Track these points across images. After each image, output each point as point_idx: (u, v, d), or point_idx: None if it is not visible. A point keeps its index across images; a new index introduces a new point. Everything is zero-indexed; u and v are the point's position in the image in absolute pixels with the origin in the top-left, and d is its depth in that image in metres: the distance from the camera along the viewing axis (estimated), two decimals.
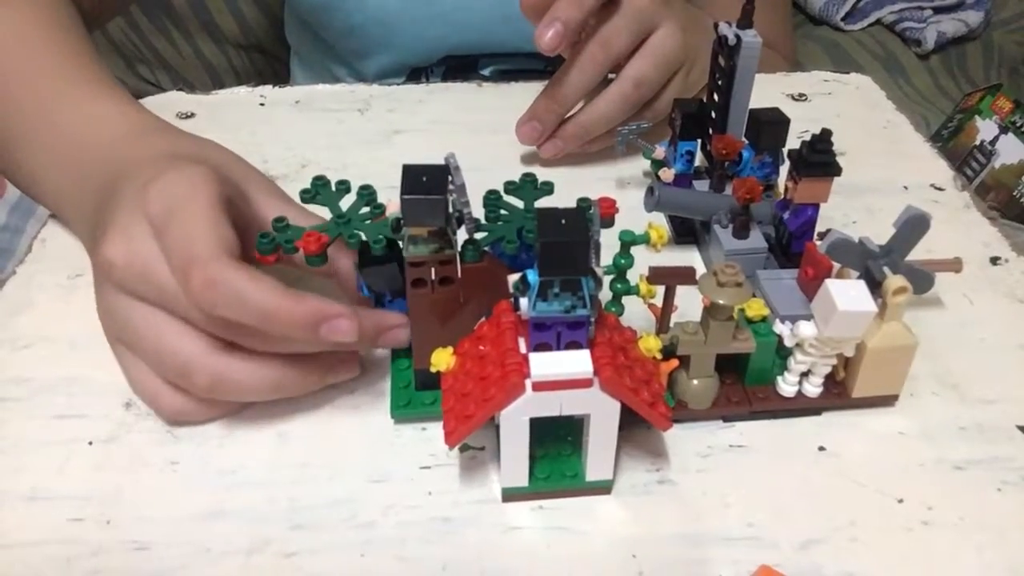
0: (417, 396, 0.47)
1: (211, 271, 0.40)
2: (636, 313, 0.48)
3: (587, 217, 0.37)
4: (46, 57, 0.59)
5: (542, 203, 0.43)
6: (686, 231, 0.61)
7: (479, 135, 0.72)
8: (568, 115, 0.65)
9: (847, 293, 0.42)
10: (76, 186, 0.52)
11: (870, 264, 0.45)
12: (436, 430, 0.42)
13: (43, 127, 0.55)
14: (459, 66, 0.90)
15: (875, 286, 0.44)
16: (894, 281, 0.43)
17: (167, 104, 0.75)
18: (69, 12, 0.65)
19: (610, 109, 0.64)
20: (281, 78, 1.21)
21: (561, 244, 0.36)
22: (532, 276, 0.37)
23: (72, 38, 0.61)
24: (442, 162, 0.41)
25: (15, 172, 0.59)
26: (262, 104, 0.76)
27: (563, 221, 0.37)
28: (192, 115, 0.74)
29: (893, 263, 0.46)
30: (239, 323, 0.41)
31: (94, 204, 0.49)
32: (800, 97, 0.78)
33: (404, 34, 0.85)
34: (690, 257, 0.60)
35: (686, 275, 0.44)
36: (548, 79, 0.77)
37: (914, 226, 0.46)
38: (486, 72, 0.91)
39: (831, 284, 0.43)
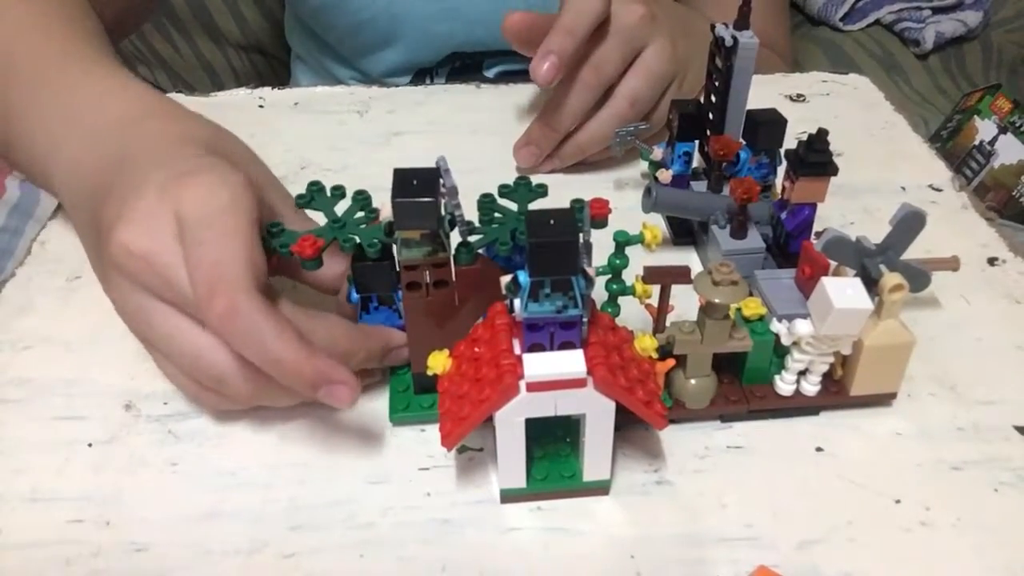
0: (415, 400, 0.47)
1: (237, 301, 0.39)
2: (633, 313, 0.48)
3: (577, 217, 0.37)
4: (52, 41, 0.57)
5: (536, 205, 0.43)
6: (684, 232, 0.61)
7: (478, 136, 0.72)
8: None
9: (843, 291, 0.42)
10: (79, 157, 0.50)
11: (866, 262, 0.46)
12: (434, 431, 0.42)
13: (45, 100, 0.53)
14: (464, 67, 0.90)
15: (871, 284, 0.44)
16: (890, 279, 0.43)
17: None
18: (82, 8, 0.64)
19: (605, 129, 0.64)
20: (281, 79, 1.21)
21: (551, 244, 0.36)
22: (523, 277, 0.38)
23: (82, 27, 0.60)
24: (434, 165, 0.41)
25: (13, 147, 0.56)
26: (261, 106, 0.76)
27: (552, 222, 0.37)
28: None
29: (889, 261, 0.46)
30: None
31: (99, 178, 0.47)
32: (798, 98, 0.78)
33: (411, 30, 0.86)
34: (688, 258, 0.60)
35: (681, 274, 0.44)
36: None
37: (910, 223, 0.46)
38: (490, 74, 0.91)
39: (827, 282, 0.43)
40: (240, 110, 0.76)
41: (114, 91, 0.52)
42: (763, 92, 0.76)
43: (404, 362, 0.47)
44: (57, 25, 0.59)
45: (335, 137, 0.72)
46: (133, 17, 0.81)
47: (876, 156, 0.70)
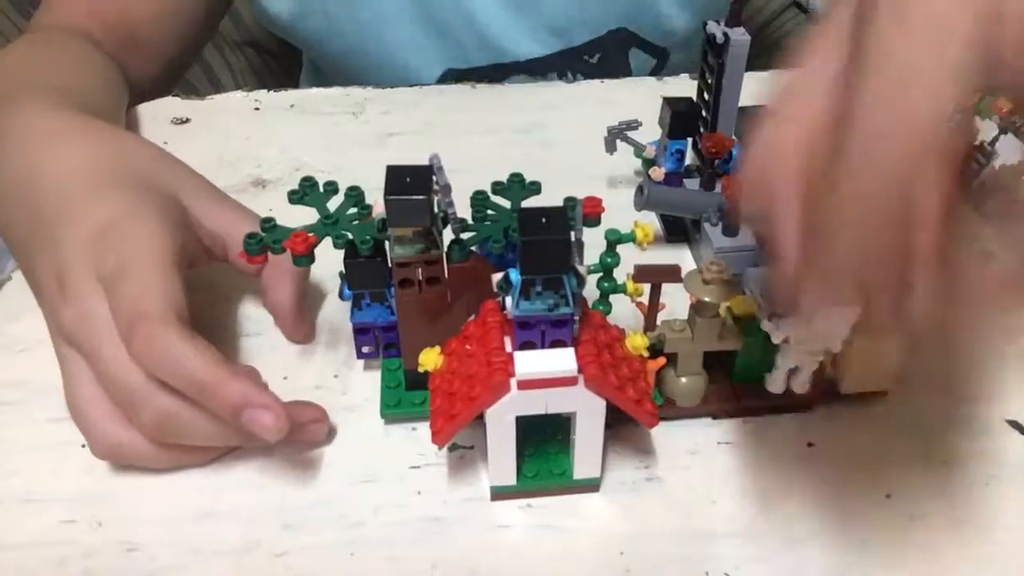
0: (407, 396, 0.47)
1: (155, 330, 0.40)
2: (625, 311, 0.48)
3: (569, 216, 0.38)
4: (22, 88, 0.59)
5: (530, 203, 0.43)
6: (677, 229, 0.61)
7: (473, 136, 0.72)
8: None
9: None
10: (7, 201, 0.51)
11: None
12: (426, 429, 0.42)
13: None
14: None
15: None
16: None
17: (162, 110, 0.75)
18: (78, 57, 0.66)
19: None
20: (279, 78, 1.21)
21: (542, 243, 0.37)
22: (514, 275, 0.38)
23: (45, 82, 0.61)
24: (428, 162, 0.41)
25: None
26: (257, 108, 0.76)
27: (544, 220, 0.37)
28: (187, 120, 0.74)
29: None
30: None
31: (17, 231, 0.49)
32: None
33: (401, 51, 0.84)
34: (682, 255, 0.60)
35: (671, 273, 0.44)
36: (540, 80, 0.77)
37: None
38: None
39: None
40: (236, 113, 0.76)
41: (24, 121, 0.53)
42: (758, 88, 0.76)
43: (320, 439, 0.46)
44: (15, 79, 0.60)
45: (330, 139, 0.72)
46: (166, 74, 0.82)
47: None
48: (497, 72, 0.86)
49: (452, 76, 0.86)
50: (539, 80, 0.86)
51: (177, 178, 0.51)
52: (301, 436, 0.44)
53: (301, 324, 0.52)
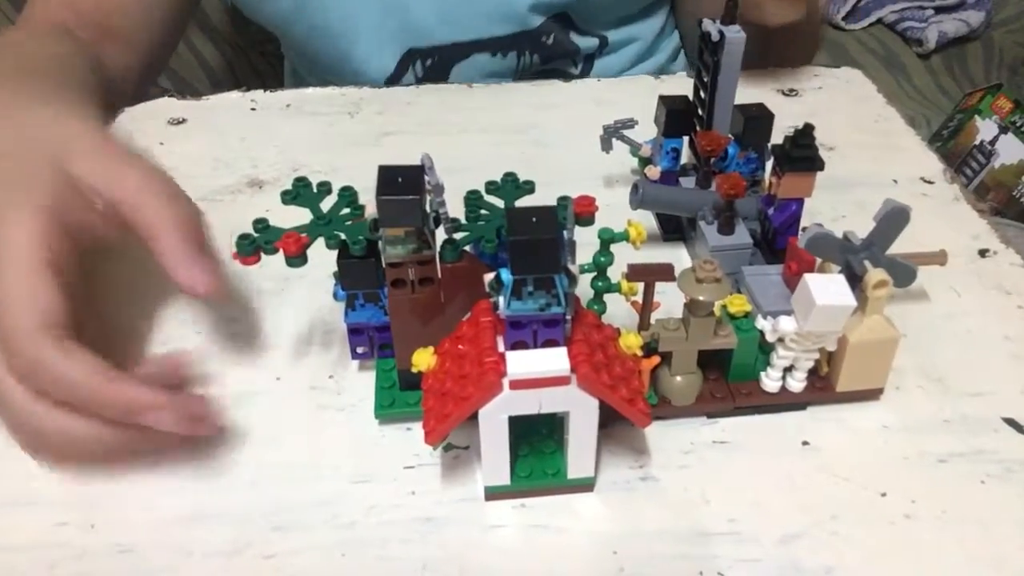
0: (401, 396, 0.47)
1: (30, 352, 0.40)
2: (621, 311, 0.48)
3: (560, 215, 0.37)
4: None
5: (524, 202, 0.43)
6: (674, 228, 0.61)
7: (468, 136, 0.72)
8: None
9: (826, 288, 0.42)
10: None
11: (850, 258, 0.45)
12: (420, 430, 0.42)
13: None
14: (429, 73, 0.89)
15: (856, 280, 0.44)
16: (874, 275, 0.43)
17: (158, 110, 0.75)
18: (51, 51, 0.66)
19: None
20: (277, 76, 1.21)
21: (532, 242, 0.36)
22: (505, 275, 0.38)
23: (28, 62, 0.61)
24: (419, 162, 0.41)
25: None
26: (253, 108, 0.76)
27: (534, 219, 0.37)
28: (183, 121, 0.74)
29: (874, 257, 0.46)
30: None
31: None
32: (791, 92, 0.77)
33: (364, 29, 0.84)
34: (678, 254, 0.60)
35: (664, 272, 0.44)
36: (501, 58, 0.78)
37: (894, 219, 0.45)
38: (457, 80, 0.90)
39: (810, 279, 0.42)
40: (232, 113, 0.76)
41: None
42: (756, 87, 0.76)
43: (168, 427, 0.42)
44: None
45: (326, 138, 0.72)
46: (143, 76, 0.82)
47: (868, 149, 0.70)
48: (458, 51, 0.85)
49: (415, 55, 0.86)
50: (499, 58, 0.86)
51: (70, 148, 0.48)
52: (144, 420, 0.42)
53: (202, 276, 0.45)
